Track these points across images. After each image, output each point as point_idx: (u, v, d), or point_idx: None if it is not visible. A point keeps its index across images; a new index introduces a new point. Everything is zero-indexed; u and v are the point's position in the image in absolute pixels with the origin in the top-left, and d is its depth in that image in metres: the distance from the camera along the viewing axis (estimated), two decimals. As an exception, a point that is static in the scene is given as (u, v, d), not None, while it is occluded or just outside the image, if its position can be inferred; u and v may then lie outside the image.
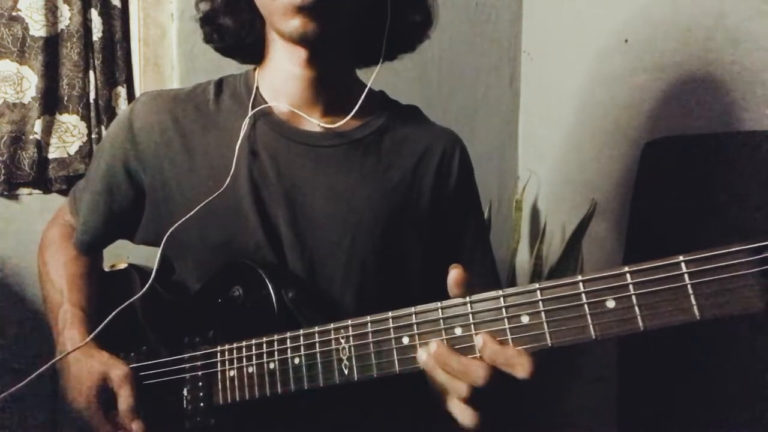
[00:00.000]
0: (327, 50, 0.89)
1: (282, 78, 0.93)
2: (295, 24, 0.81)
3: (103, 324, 0.87)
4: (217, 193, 0.87)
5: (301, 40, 0.84)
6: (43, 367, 0.87)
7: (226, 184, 0.87)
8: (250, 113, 0.92)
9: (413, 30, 0.98)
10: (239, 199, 0.89)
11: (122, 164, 0.94)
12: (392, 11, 0.93)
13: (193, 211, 0.87)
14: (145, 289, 0.88)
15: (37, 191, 1.53)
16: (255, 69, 0.98)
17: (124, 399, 0.86)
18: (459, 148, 1.02)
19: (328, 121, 0.94)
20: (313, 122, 0.93)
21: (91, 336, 0.89)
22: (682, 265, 0.54)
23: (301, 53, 0.88)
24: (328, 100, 0.94)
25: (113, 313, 0.87)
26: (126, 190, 0.95)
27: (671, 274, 0.54)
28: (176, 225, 0.88)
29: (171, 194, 0.92)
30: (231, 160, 0.89)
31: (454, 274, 0.65)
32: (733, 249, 0.52)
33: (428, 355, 0.65)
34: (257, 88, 0.95)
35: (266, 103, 0.94)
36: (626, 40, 1.88)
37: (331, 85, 0.93)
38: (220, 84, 0.99)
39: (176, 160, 0.92)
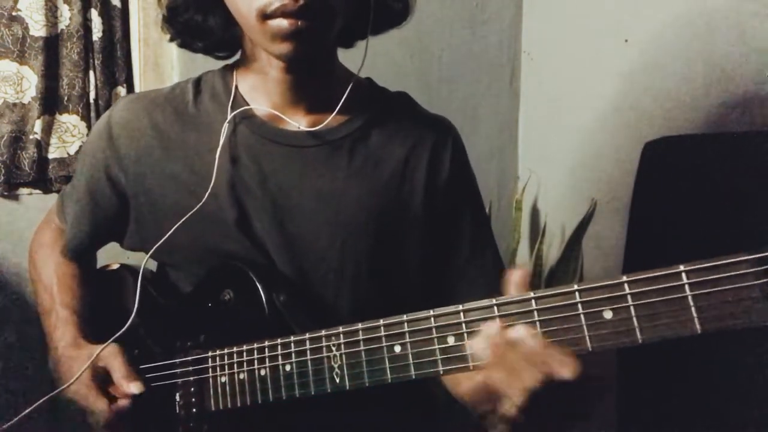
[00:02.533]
0: (312, 56, 0.85)
1: (262, 79, 0.89)
2: (285, 48, 0.78)
3: (109, 342, 0.88)
4: (198, 205, 0.85)
5: (290, 61, 0.82)
6: (41, 401, 0.87)
7: (207, 194, 0.85)
8: (229, 117, 0.89)
9: (392, 15, 0.93)
10: (222, 206, 0.87)
11: (104, 171, 0.93)
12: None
13: (175, 227, 0.85)
14: (136, 307, 0.87)
15: (37, 191, 1.53)
16: (233, 67, 0.95)
17: (118, 370, 0.86)
18: (451, 138, 0.97)
19: (312, 119, 0.90)
20: (295, 124, 0.90)
21: (98, 353, 0.88)
22: (683, 275, 0.52)
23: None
24: (311, 98, 0.90)
25: (117, 334, 0.87)
26: (110, 198, 0.94)
27: (671, 284, 0.53)
28: (159, 243, 0.87)
29: (154, 200, 0.90)
30: (212, 164, 0.86)
31: (517, 277, 0.62)
32: (737, 259, 0.50)
33: (485, 344, 0.60)
34: (236, 87, 0.92)
35: (246, 103, 0.91)
36: (626, 40, 1.87)
37: (313, 84, 0.90)
38: (198, 83, 0.95)
39: (157, 166, 0.90)
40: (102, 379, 0.87)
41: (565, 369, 0.56)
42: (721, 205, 1.45)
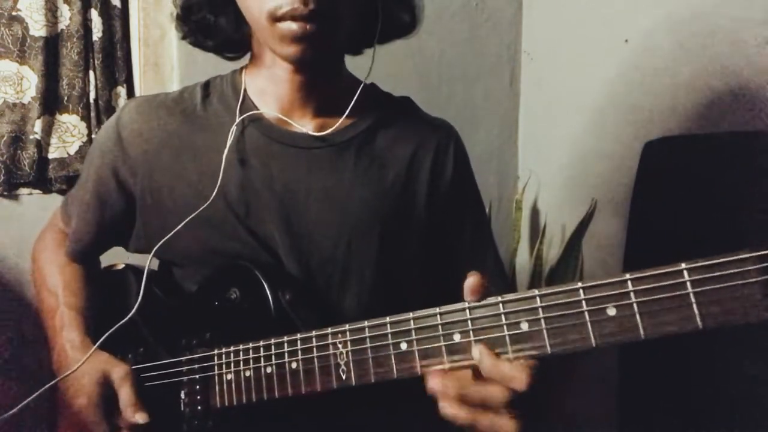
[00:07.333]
0: (318, 58, 0.86)
1: (271, 81, 0.90)
2: (293, 50, 0.79)
3: (107, 333, 0.87)
4: (205, 205, 0.86)
5: (296, 63, 0.83)
6: (47, 386, 0.87)
7: (214, 195, 0.86)
8: (238, 119, 0.90)
9: (400, 26, 0.95)
10: (230, 207, 0.88)
11: (112, 173, 0.93)
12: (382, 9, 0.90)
13: (180, 225, 0.86)
14: (139, 301, 0.87)
15: (37, 191, 1.53)
16: (242, 70, 0.96)
17: (126, 396, 0.86)
18: (453, 141, 0.99)
19: (319, 122, 0.92)
20: (302, 126, 0.91)
21: (96, 345, 0.88)
22: (685, 272, 0.53)
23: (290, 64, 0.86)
24: (319, 101, 0.92)
25: (117, 326, 0.87)
26: (117, 199, 0.94)
27: (674, 282, 0.54)
28: (165, 239, 0.87)
29: (162, 201, 0.91)
30: (220, 166, 0.87)
31: (470, 281, 0.64)
32: (738, 257, 0.51)
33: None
34: (245, 90, 0.93)
35: (255, 106, 0.92)
36: (626, 40, 1.88)
37: (321, 87, 0.91)
38: (206, 87, 0.96)
39: (166, 167, 0.90)
40: (108, 399, 0.87)
41: (518, 382, 0.60)
42: (721, 205, 1.45)
